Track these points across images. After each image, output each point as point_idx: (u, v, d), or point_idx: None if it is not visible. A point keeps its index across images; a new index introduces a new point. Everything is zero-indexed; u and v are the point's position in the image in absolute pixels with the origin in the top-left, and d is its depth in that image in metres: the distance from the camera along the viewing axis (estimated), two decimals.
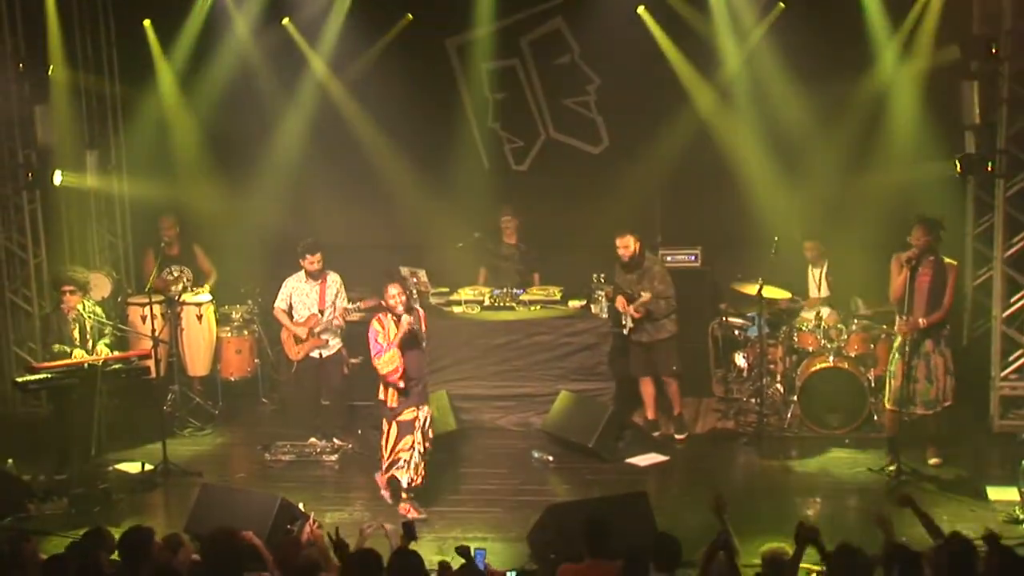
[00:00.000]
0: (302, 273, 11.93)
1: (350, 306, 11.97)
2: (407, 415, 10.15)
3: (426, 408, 10.28)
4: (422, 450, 10.14)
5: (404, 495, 10.18)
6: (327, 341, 11.98)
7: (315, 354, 11.98)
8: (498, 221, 13.54)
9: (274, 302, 12.10)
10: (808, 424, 12.01)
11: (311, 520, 8.52)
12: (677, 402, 12.27)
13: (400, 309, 10.03)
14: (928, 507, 9.87)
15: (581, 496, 10.29)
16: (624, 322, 12.00)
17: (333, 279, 12.01)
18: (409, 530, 7.85)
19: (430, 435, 10.30)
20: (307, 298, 11.93)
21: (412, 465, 10.11)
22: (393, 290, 10.05)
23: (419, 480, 10.15)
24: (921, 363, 10.70)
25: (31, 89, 12.60)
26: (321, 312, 11.87)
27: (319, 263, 11.81)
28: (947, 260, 10.77)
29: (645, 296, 11.81)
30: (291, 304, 11.97)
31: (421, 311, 10.45)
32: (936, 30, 12.35)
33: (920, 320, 10.55)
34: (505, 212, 13.51)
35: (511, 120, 14.53)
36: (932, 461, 11.02)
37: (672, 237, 13.40)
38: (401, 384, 10.07)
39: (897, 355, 10.76)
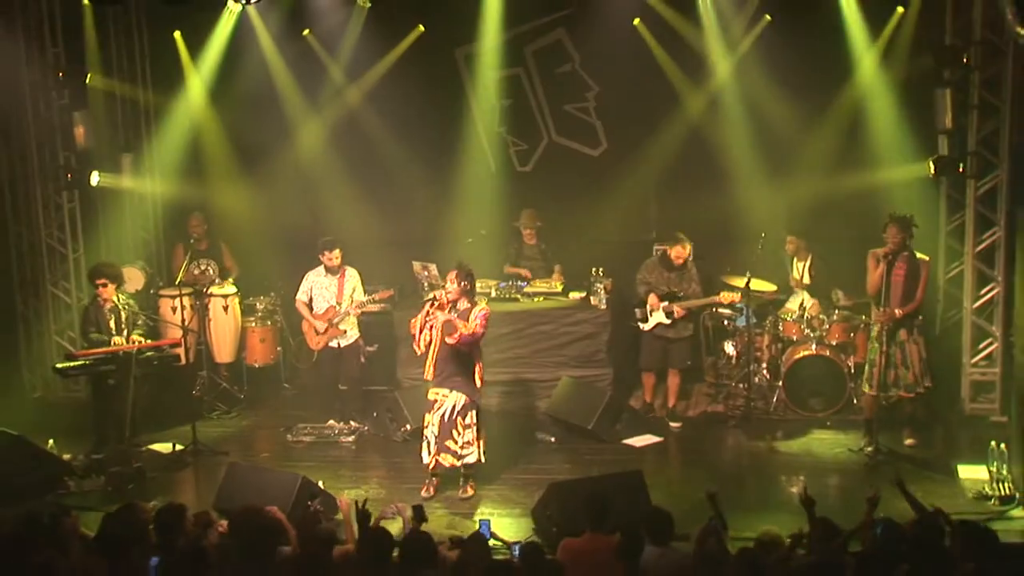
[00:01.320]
0: (321, 267, 11.98)
1: (366, 299, 12.04)
2: (430, 395, 10.18)
3: (454, 396, 10.05)
4: (436, 432, 10.06)
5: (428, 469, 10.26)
6: (345, 332, 12.04)
7: (334, 343, 12.03)
8: (517, 225, 13.61)
9: (295, 294, 12.17)
10: (792, 407, 12.06)
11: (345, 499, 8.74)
12: (674, 396, 12.24)
13: (449, 295, 10.04)
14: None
15: (581, 474, 10.27)
16: (647, 317, 11.92)
17: (351, 274, 12.03)
18: (419, 513, 7.93)
19: (458, 425, 10.07)
20: (326, 291, 11.97)
21: (430, 445, 10.12)
22: (450, 275, 10.11)
23: (432, 464, 10.13)
24: (898, 350, 10.78)
25: (71, 96, 12.62)
26: (339, 304, 11.93)
27: (338, 259, 11.86)
28: (920, 255, 10.83)
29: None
30: (311, 296, 12.02)
31: (479, 310, 10.12)
32: (911, 41, 12.36)
33: (896, 311, 10.63)
34: (524, 218, 13.54)
35: (516, 124, 14.52)
36: (908, 442, 11.11)
37: (666, 233, 13.41)
38: (417, 350, 10.18)
39: (876, 344, 10.82)
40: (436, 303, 10.06)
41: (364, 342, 12.43)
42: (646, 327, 12.00)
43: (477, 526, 8.93)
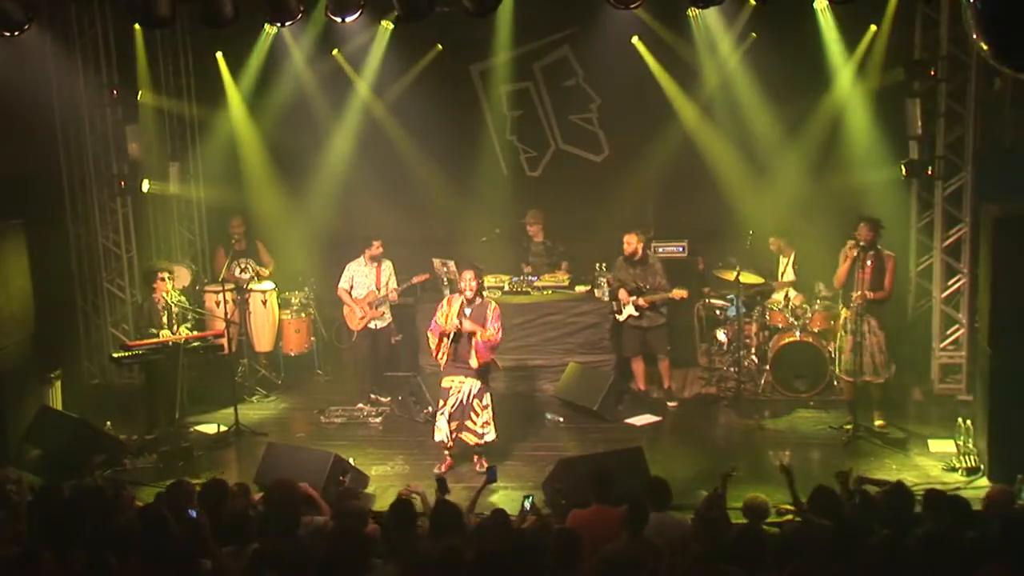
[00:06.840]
0: (362, 259, 12.26)
1: (412, 281, 12.47)
2: (444, 382, 10.19)
3: (469, 381, 10.06)
4: (448, 414, 10.09)
5: (445, 449, 10.26)
6: (383, 313, 12.31)
7: (372, 325, 12.29)
8: (523, 225, 13.53)
9: (338, 284, 12.35)
10: (778, 389, 12.04)
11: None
12: (667, 377, 12.24)
13: (468, 292, 10.04)
14: (880, 458, 10.12)
15: (587, 451, 10.29)
16: (621, 310, 12.05)
17: (387, 265, 12.34)
18: (442, 484, 7.93)
19: (475, 407, 10.10)
20: (366, 279, 12.25)
21: (443, 427, 10.14)
22: (468, 274, 10.10)
23: (452, 441, 10.14)
24: (864, 340, 10.75)
25: (123, 111, 12.70)
26: (378, 289, 12.19)
27: (380, 249, 12.19)
28: (886, 252, 10.84)
29: (680, 292, 11.85)
30: (352, 284, 12.26)
31: (492, 305, 10.21)
32: (883, 56, 12.28)
33: (868, 293, 10.60)
34: (529, 217, 13.45)
35: (526, 133, 14.51)
36: (877, 423, 11.03)
37: (663, 231, 13.42)
38: (432, 338, 10.19)
39: (844, 332, 10.86)
40: (464, 298, 10.07)
41: (395, 326, 12.60)
42: (621, 318, 12.12)
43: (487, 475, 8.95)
